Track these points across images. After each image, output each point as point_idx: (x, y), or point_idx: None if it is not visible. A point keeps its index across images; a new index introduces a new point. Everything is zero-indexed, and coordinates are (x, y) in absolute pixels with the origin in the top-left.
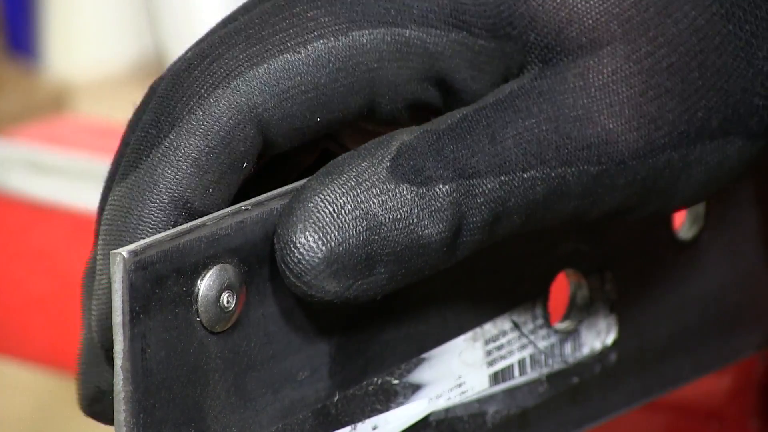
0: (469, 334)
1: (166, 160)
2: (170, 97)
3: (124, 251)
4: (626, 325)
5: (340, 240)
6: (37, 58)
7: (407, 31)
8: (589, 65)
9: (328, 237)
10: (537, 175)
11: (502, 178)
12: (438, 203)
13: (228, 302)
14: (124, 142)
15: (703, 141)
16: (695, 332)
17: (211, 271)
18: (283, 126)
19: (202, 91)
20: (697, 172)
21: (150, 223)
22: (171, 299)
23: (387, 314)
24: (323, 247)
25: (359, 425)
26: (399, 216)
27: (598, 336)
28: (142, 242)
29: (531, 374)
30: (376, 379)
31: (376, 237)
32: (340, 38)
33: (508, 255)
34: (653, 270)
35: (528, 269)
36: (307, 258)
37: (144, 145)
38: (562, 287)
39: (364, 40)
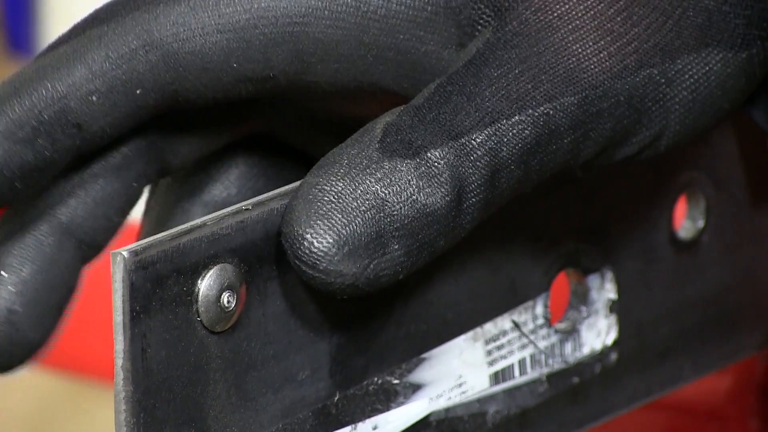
0: (470, 334)
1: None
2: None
3: (124, 251)
4: (626, 325)
5: (346, 222)
6: None
7: None
8: None
9: (333, 222)
10: (522, 118)
11: (489, 129)
12: (434, 168)
13: (228, 302)
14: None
15: (680, 54)
16: (695, 332)
17: (211, 271)
18: (195, 63)
19: (122, 13)
20: (682, 88)
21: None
22: (171, 299)
23: (387, 314)
24: (330, 231)
25: (359, 425)
26: (399, 189)
27: (599, 336)
28: (142, 242)
29: (531, 374)
30: (376, 378)
31: (381, 214)
32: None
33: (509, 255)
34: (653, 270)
35: (528, 269)
36: (317, 246)
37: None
38: (562, 287)
39: None
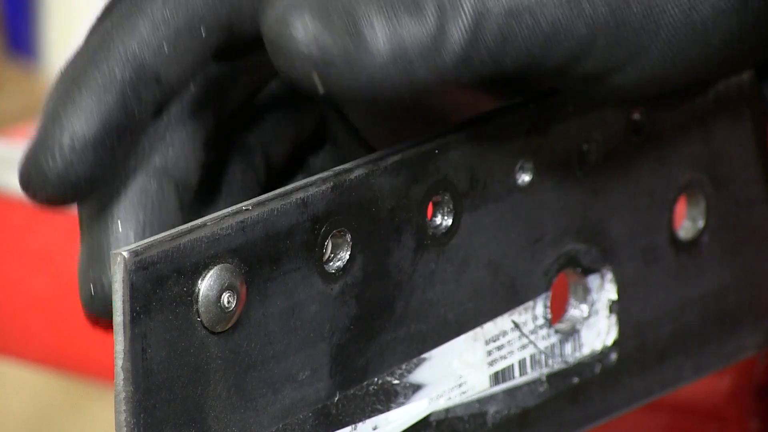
0: (470, 334)
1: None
2: None
3: (124, 251)
4: (626, 325)
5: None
6: (37, 58)
7: None
8: None
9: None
10: None
11: None
12: None
13: (228, 302)
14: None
15: None
16: (695, 332)
17: (211, 271)
18: None
19: None
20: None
21: (101, 77)
22: (172, 299)
23: (387, 314)
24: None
25: (360, 425)
26: None
27: (599, 336)
28: (142, 242)
29: (531, 374)
30: (376, 379)
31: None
32: None
33: (509, 255)
34: (653, 270)
35: (528, 269)
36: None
37: None
38: (562, 287)
39: None
